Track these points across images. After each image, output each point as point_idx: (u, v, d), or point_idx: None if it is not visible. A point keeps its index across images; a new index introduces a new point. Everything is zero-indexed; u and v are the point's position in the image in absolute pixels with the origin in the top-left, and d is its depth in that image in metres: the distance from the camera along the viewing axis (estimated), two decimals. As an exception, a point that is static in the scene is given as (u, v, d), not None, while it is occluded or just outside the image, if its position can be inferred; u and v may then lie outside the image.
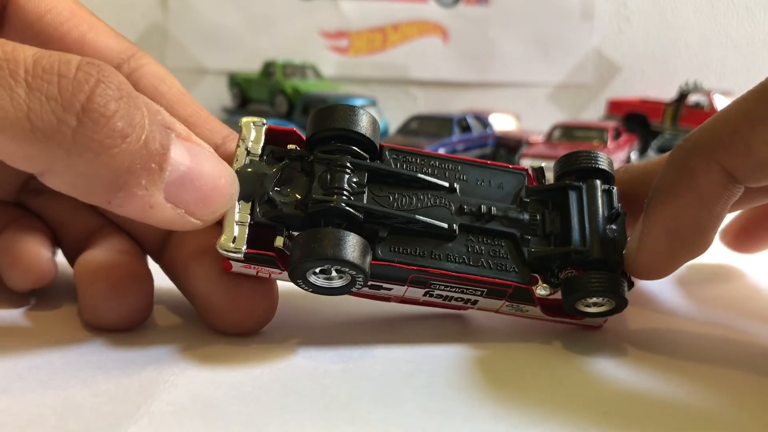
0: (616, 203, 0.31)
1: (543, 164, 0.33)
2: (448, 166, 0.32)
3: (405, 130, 0.99)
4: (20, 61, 0.22)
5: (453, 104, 1.31)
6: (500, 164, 0.33)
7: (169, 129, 0.26)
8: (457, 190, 0.31)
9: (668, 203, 0.29)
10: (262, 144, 0.30)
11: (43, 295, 0.35)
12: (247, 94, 1.26)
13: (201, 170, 0.26)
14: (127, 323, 0.31)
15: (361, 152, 0.30)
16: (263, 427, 0.23)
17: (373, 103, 1.08)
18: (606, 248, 0.30)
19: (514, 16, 1.35)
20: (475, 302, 0.31)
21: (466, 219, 0.30)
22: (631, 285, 0.31)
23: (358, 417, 0.24)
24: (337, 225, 0.28)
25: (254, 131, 0.30)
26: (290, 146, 0.30)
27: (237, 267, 0.29)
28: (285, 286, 0.31)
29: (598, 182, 0.32)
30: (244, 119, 0.31)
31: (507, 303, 0.31)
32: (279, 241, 0.28)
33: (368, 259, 0.28)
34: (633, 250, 0.30)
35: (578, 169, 0.32)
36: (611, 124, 0.97)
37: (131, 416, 0.23)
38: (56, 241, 0.35)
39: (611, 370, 0.29)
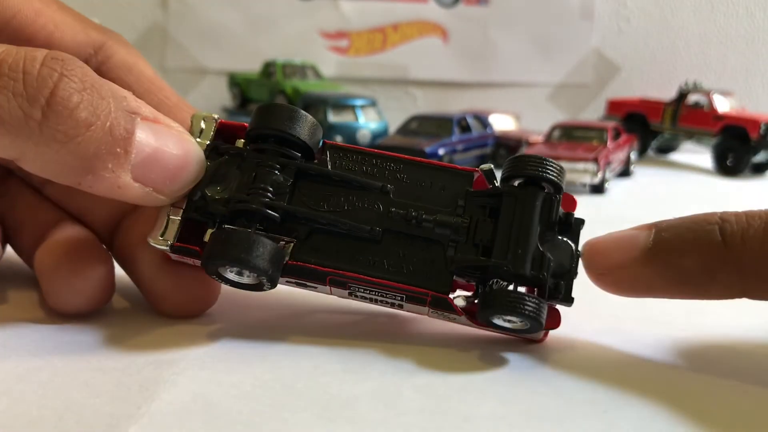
0: (555, 215, 0.29)
1: (492, 165, 0.31)
2: (390, 166, 0.31)
3: (405, 130, 0.99)
4: None
5: (453, 104, 1.31)
6: (447, 165, 0.31)
7: (135, 113, 0.27)
8: (391, 192, 0.30)
9: (675, 268, 0.28)
10: (210, 140, 0.30)
11: (38, 293, 0.35)
12: (247, 94, 1.26)
13: (166, 150, 0.28)
14: (92, 305, 0.31)
15: (293, 153, 0.30)
16: (263, 427, 0.23)
17: (373, 103, 1.08)
18: (534, 264, 0.28)
19: (514, 16, 1.35)
20: (400, 306, 0.31)
21: (393, 222, 0.30)
22: (569, 302, 0.30)
23: (358, 416, 0.24)
24: (258, 224, 0.29)
25: (204, 125, 0.31)
26: (239, 142, 0.31)
27: (174, 257, 0.30)
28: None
29: (541, 192, 0.29)
30: (195, 114, 0.31)
31: (431, 309, 0.30)
32: (208, 236, 0.29)
33: (279, 262, 0.29)
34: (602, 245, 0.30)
35: (524, 175, 0.30)
36: (611, 124, 0.97)
37: (131, 416, 0.23)
38: (7, 240, 0.36)
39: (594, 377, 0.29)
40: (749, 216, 0.27)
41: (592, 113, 1.31)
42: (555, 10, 1.33)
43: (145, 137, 0.27)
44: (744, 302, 0.28)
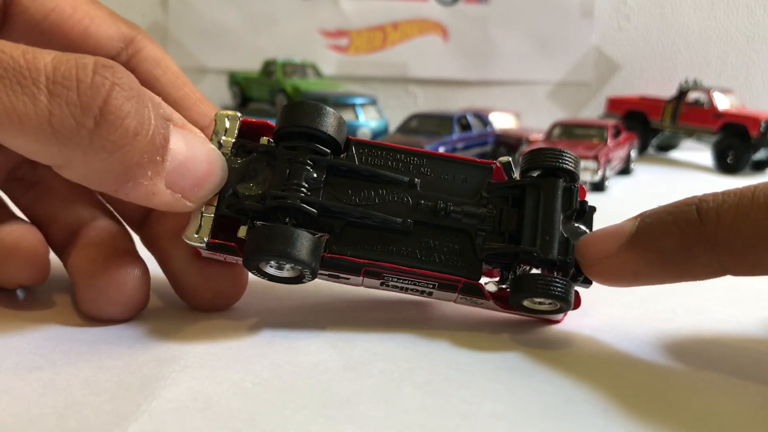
0: (575, 202, 0.31)
1: (511, 158, 0.32)
2: (413, 161, 0.32)
3: (405, 128, 0.99)
4: (41, 68, 0.24)
5: (453, 102, 1.31)
6: (467, 158, 0.33)
7: (168, 120, 0.27)
8: (418, 186, 0.31)
9: (656, 250, 0.29)
10: (234, 137, 0.31)
11: (37, 292, 0.35)
12: (248, 93, 1.26)
13: (196, 157, 0.28)
14: (127, 314, 0.32)
15: (323, 149, 0.31)
16: (264, 425, 0.23)
17: (373, 102, 1.08)
18: (559, 249, 0.30)
19: (514, 14, 1.35)
20: (430, 293, 0.32)
21: (422, 214, 0.31)
22: (589, 283, 0.31)
23: (358, 414, 0.24)
24: (295, 219, 0.30)
25: (228, 124, 0.31)
26: (263, 140, 0.31)
27: (206, 253, 0.31)
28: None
29: (560, 181, 0.31)
30: (219, 112, 0.31)
31: (460, 296, 0.32)
32: (242, 232, 0.30)
33: (318, 254, 0.29)
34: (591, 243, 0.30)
35: (543, 166, 0.31)
36: (611, 122, 0.97)
37: (132, 414, 0.23)
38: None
39: (609, 363, 0.29)
40: (725, 193, 0.28)
41: (593, 111, 1.30)
42: (555, 8, 1.33)
43: (178, 144, 0.28)
44: (744, 299, 0.29)
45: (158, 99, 0.28)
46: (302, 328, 0.32)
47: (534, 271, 0.31)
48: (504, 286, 0.31)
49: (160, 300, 0.35)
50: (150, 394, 0.25)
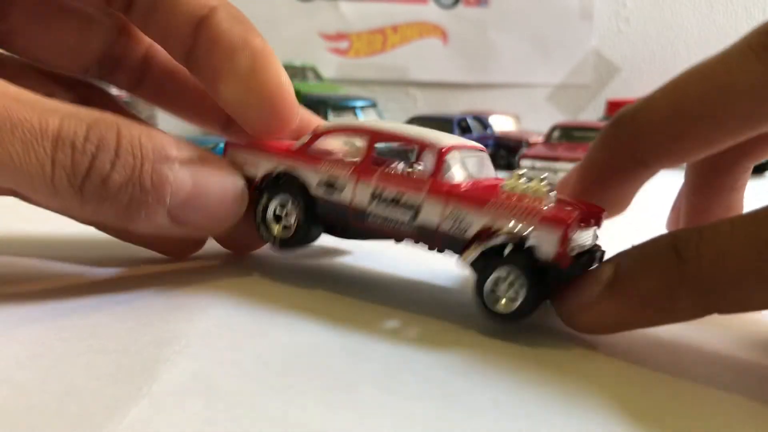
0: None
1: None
2: None
3: (405, 130, 0.99)
4: (49, 133, 0.28)
5: (453, 105, 1.32)
6: None
7: (171, 160, 0.30)
8: None
9: (636, 295, 0.28)
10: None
11: (37, 281, 0.35)
12: (248, 96, 1.26)
13: (206, 191, 0.31)
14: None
15: None
16: (265, 409, 0.23)
17: (373, 105, 1.08)
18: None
19: (514, 17, 1.35)
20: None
21: None
22: None
23: (359, 400, 0.24)
24: None
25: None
26: None
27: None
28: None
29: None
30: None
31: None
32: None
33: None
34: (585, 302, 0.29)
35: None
36: (611, 123, 0.97)
37: (132, 397, 0.23)
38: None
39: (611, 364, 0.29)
40: (701, 230, 0.27)
41: (592, 114, 1.31)
42: (554, 10, 1.33)
43: (182, 181, 0.31)
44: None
45: (163, 140, 0.30)
46: (303, 310, 0.32)
47: None
48: None
49: (159, 280, 0.35)
50: (150, 377, 0.25)
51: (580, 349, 0.30)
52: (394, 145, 0.35)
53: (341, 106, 1.04)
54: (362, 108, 1.05)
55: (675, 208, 0.40)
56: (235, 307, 0.32)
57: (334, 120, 1.01)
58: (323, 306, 0.33)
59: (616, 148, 0.33)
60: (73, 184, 0.29)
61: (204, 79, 0.36)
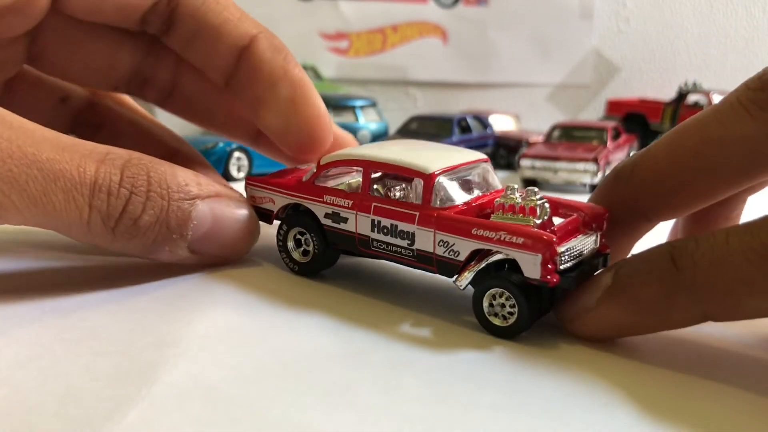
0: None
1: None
2: None
3: (405, 130, 0.99)
4: (87, 180, 0.30)
5: (453, 105, 1.32)
6: None
7: (194, 198, 0.33)
8: None
9: (634, 301, 0.29)
10: None
11: (37, 283, 0.35)
12: (247, 96, 1.26)
13: (223, 225, 0.34)
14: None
15: None
16: (264, 412, 0.23)
17: (372, 104, 1.08)
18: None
19: (513, 16, 1.35)
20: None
21: None
22: None
23: (359, 403, 0.24)
24: None
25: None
26: None
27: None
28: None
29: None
30: None
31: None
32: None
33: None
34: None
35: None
36: (610, 124, 0.97)
37: (132, 399, 0.23)
38: None
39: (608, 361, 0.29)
40: (697, 239, 0.28)
41: (592, 113, 1.31)
42: (554, 10, 1.33)
43: (203, 217, 0.33)
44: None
45: (185, 178, 0.33)
46: (303, 313, 0.32)
47: None
48: None
49: (160, 282, 0.35)
50: (150, 379, 0.25)
51: (579, 351, 0.30)
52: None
53: (341, 105, 1.04)
54: (362, 107, 1.05)
55: (673, 232, 0.40)
56: (234, 310, 0.32)
57: (333, 119, 1.00)
58: (323, 308, 0.33)
59: (616, 203, 0.33)
60: (107, 225, 0.31)
61: (245, 105, 0.39)
